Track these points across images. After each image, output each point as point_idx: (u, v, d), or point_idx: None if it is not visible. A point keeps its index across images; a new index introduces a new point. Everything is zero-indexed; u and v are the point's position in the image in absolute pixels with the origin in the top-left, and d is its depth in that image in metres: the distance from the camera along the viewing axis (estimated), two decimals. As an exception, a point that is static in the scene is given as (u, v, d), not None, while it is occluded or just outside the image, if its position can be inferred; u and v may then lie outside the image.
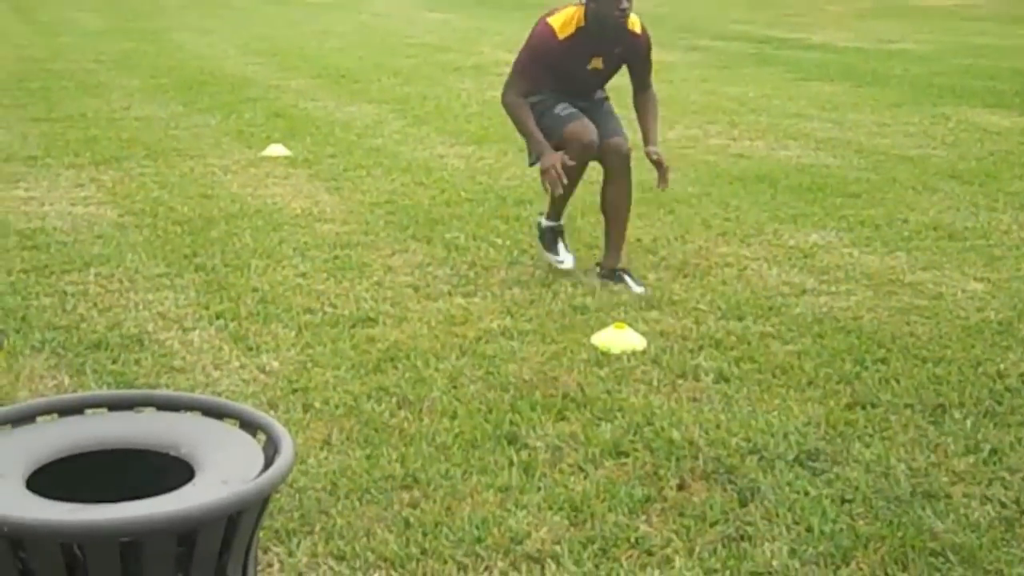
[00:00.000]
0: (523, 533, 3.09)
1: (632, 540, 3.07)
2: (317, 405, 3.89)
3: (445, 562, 2.96)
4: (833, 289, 5.22)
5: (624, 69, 5.41)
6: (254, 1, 22.48)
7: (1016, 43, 15.79)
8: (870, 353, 4.42)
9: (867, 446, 3.63)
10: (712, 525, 3.15)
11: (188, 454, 2.30)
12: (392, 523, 3.13)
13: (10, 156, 7.89)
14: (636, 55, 5.29)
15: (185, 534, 2.09)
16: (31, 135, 8.69)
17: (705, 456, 3.54)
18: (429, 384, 4.07)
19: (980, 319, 4.84)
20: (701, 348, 4.45)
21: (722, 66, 13.55)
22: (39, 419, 2.45)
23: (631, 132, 5.48)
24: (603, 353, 4.37)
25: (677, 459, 3.52)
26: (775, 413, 3.87)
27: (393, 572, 2.93)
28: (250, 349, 4.42)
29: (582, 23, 5.07)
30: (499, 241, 5.91)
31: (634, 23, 5.16)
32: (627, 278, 5.24)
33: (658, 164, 5.28)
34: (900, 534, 3.10)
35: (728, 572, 2.94)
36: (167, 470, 2.28)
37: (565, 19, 5.10)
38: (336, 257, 5.62)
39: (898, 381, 4.14)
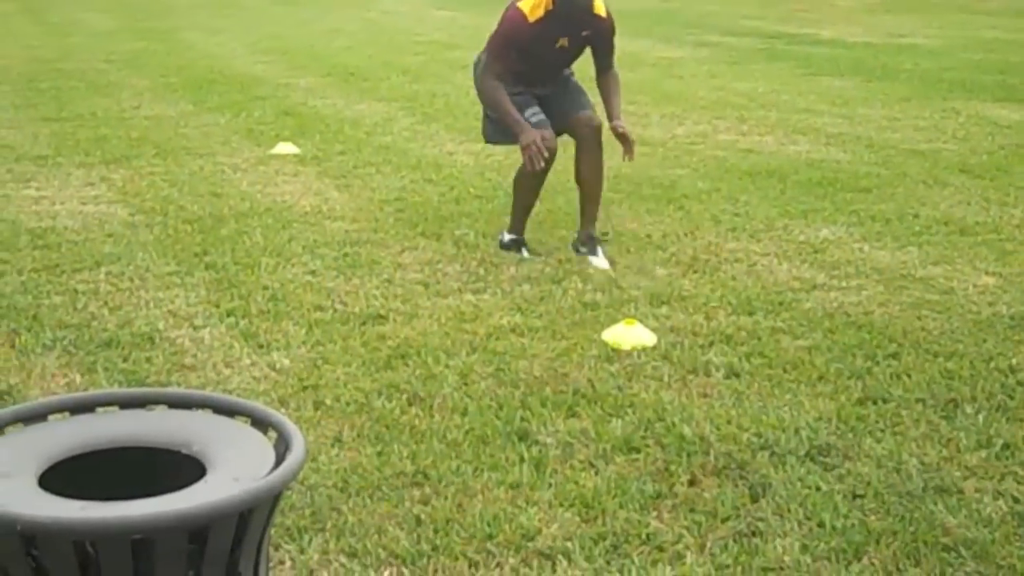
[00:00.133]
0: (534, 530, 3.09)
1: (643, 536, 3.07)
2: (328, 402, 3.90)
3: (456, 559, 2.96)
4: (844, 284, 5.21)
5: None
6: (263, 0, 22.50)
7: (1027, 37, 15.74)
8: (881, 348, 4.41)
9: (879, 441, 3.62)
10: (723, 521, 3.15)
11: (199, 452, 2.31)
12: (403, 520, 3.14)
13: (21, 156, 7.91)
14: (601, 37, 5.57)
15: (197, 531, 2.10)
16: (42, 135, 8.71)
17: (716, 452, 3.53)
18: (439, 381, 4.08)
19: (992, 313, 4.82)
20: (711, 344, 4.45)
21: (732, 62, 13.52)
22: (51, 417, 2.45)
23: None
24: (613, 349, 4.37)
25: (688, 455, 3.51)
26: (786, 408, 3.86)
27: (404, 569, 2.93)
28: (261, 347, 4.42)
29: (551, 7, 5.34)
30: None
31: (599, 7, 5.46)
32: (599, 249, 5.57)
33: (623, 137, 5.55)
34: (912, 529, 3.10)
35: (739, 568, 2.94)
36: (178, 468, 2.28)
37: (534, 2, 5.35)
38: (346, 254, 5.63)
39: (909, 376, 4.13)
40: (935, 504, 3.23)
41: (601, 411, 3.83)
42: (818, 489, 3.31)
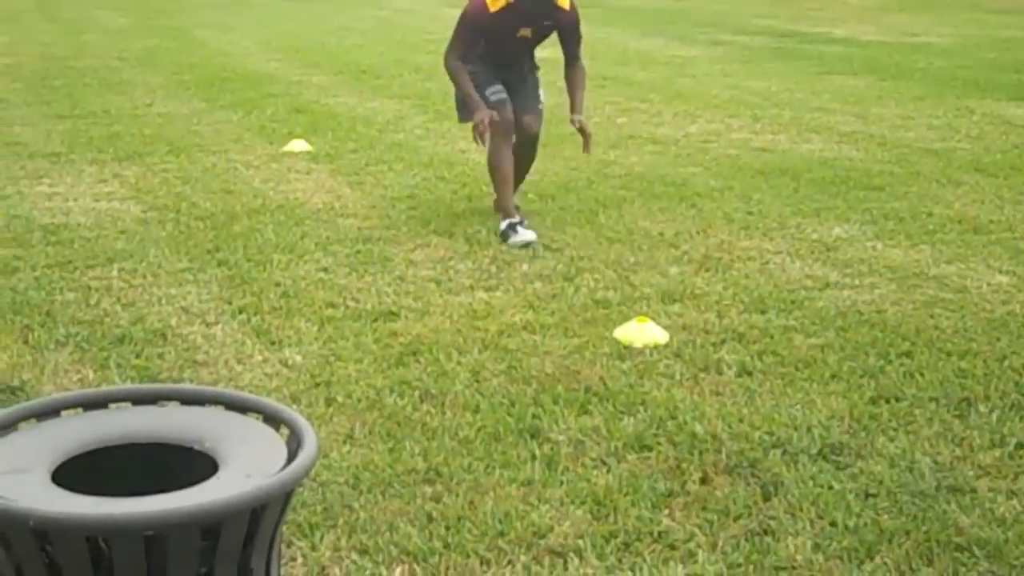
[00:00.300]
0: (546, 527, 3.08)
1: (655, 534, 3.06)
2: (340, 399, 3.90)
3: (468, 556, 2.96)
4: (857, 282, 5.20)
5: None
6: (276, -3, 22.52)
7: (1041, 35, 15.68)
8: (894, 347, 4.39)
9: (891, 440, 3.61)
10: (735, 519, 3.14)
11: (212, 448, 2.31)
12: (415, 517, 3.13)
13: (34, 152, 7.93)
14: (564, 28, 5.87)
15: (209, 528, 2.10)
16: (55, 132, 8.74)
17: (728, 450, 3.53)
18: (451, 378, 4.08)
19: (1005, 312, 4.81)
20: (724, 342, 4.44)
21: (745, 60, 13.50)
22: (64, 413, 2.46)
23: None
24: (625, 347, 4.36)
25: (700, 453, 3.51)
26: (798, 407, 3.85)
27: (416, 566, 2.93)
28: (273, 343, 4.43)
29: (512, 0, 5.65)
30: (521, 235, 5.89)
31: (562, 0, 5.75)
32: (519, 228, 5.84)
33: (581, 131, 5.96)
34: (925, 528, 3.09)
35: (751, 566, 2.93)
36: (191, 464, 2.28)
37: None
38: (358, 251, 5.63)
39: (923, 375, 4.12)
40: (948, 503, 3.22)
41: (613, 409, 3.82)
42: (830, 488, 3.30)
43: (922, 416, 3.79)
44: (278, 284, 5.11)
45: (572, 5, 5.81)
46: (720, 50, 14.51)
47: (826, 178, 7.26)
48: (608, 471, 3.41)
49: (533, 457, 3.48)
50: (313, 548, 2.99)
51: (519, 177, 6.21)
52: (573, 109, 5.94)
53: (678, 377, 4.10)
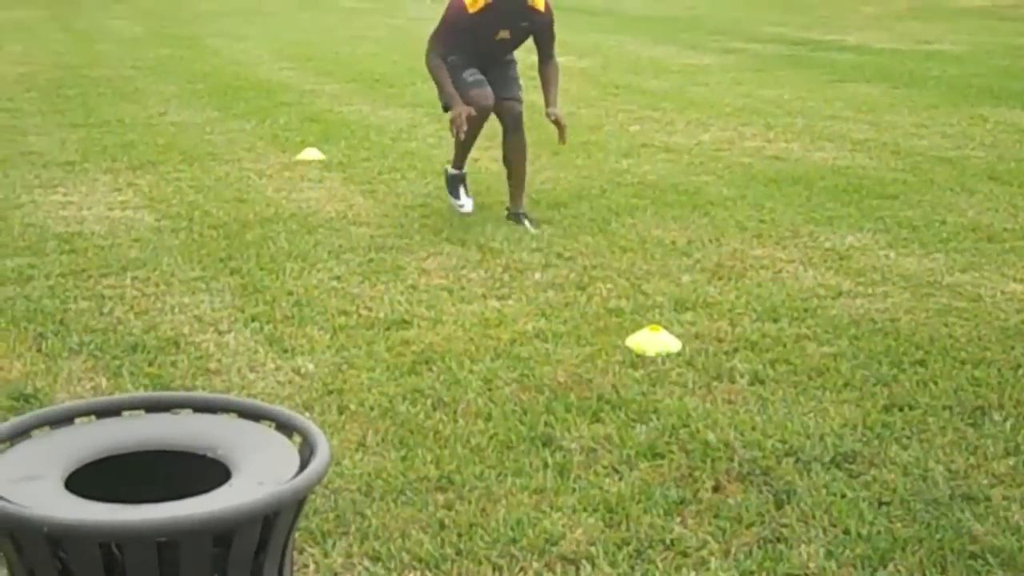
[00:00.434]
0: (558, 535, 3.08)
1: (667, 542, 3.06)
2: (352, 407, 3.90)
3: (480, 563, 2.96)
4: (870, 291, 5.19)
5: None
6: (288, 7, 22.59)
7: (1055, 43, 15.64)
8: (908, 355, 4.38)
9: (905, 448, 3.60)
10: (748, 527, 3.13)
11: (224, 456, 2.32)
12: (427, 524, 3.14)
13: (49, 161, 7.96)
14: (540, 29, 6.17)
15: (222, 535, 2.10)
16: (69, 141, 8.77)
17: (741, 458, 3.52)
18: (464, 386, 4.08)
19: (1020, 320, 4.79)
20: (736, 350, 4.44)
21: (757, 68, 13.49)
22: (77, 421, 2.47)
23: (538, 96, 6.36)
24: (638, 355, 4.36)
25: (712, 461, 3.50)
26: (811, 415, 3.85)
27: (428, 573, 2.93)
28: (285, 351, 4.43)
29: (490, 1, 5.91)
30: (533, 244, 5.91)
31: (537, 2, 6.04)
32: (525, 221, 6.22)
33: (556, 123, 6.21)
34: (938, 537, 3.08)
35: (764, 574, 2.93)
36: (203, 471, 2.29)
37: None
38: (371, 260, 5.64)
39: (936, 383, 4.11)
40: (962, 512, 3.21)
41: (625, 417, 3.82)
42: (843, 496, 3.29)
43: (936, 424, 3.78)
44: (291, 292, 5.12)
45: (547, 7, 6.11)
46: (732, 58, 14.51)
47: (839, 186, 7.25)
48: (620, 479, 3.40)
49: (545, 465, 3.48)
50: (325, 555, 2.99)
51: (518, 174, 6.37)
52: (548, 103, 6.21)
53: (690, 385, 4.10)
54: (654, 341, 4.43)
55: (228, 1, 22.29)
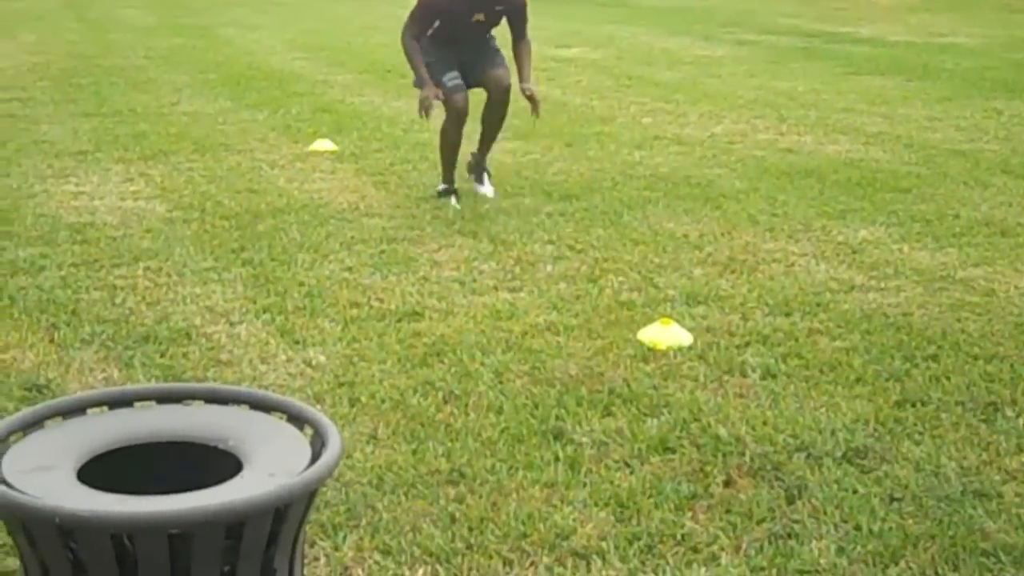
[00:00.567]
0: (569, 529, 3.08)
1: (678, 537, 3.06)
2: (363, 399, 3.90)
3: (491, 557, 2.96)
4: (882, 285, 5.17)
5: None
6: (301, -3, 22.59)
7: (1070, 36, 15.57)
8: (920, 350, 4.37)
9: (917, 444, 3.59)
10: (759, 522, 3.13)
11: (236, 447, 2.32)
12: (438, 518, 3.14)
13: (61, 151, 7.97)
14: (514, 12, 6.48)
15: (233, 526, 2.10)
16: (81, 130, 8.79)
17: (752, 453, 3.51)
18: (475, 379, 4.08)
19: (1033, 316, 4.77)
20: (748, 344, 4.43)
21: (770, 60, 13.45)
22: (89, 411, 2.47)
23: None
24: (649, 349, 4.35)
25: (724, 456, 3.49)
26: (823, 410, 3.84)
27: (439, 567, 2.93)
28: (297, 343, 4.44)
29: None
30: (545, 236, 5.90)
31: None
32: (485, 177, 6.81)
33: (530, 98, 6.47)
34: (950, 533, 3.07)
35: (775, 570, 2.92)
36: (215, 463, 2.29)
37: None
38: (382, 251, 5.64)
39: (949, 378, 4.09)
40: (974, 508, 3.20)
41: (636, 411, 3.81)
42: (855, 492, 3.28)
43: (948, 420, 3.77)
44: (302, 284, 5.13)
45: None
46: (746, 50, 14.47)
47: (852, 179, 7.23)
48: (631, 473, 3.40)
49: (556, 459, 3.47)
50: (336, 548, 2.99)
51: (489, 137, 6.77)
52: (522, 78, 6.49)
53: (702, 379, 4.09)
54: (666, 334, 4.42)
55: (241, -9, 22.30)
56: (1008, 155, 8.00)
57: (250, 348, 4.39)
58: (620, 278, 5.23)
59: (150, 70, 12.27)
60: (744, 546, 3.02)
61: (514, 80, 6.49)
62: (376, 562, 2.95)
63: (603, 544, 3.01)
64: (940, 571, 2.92)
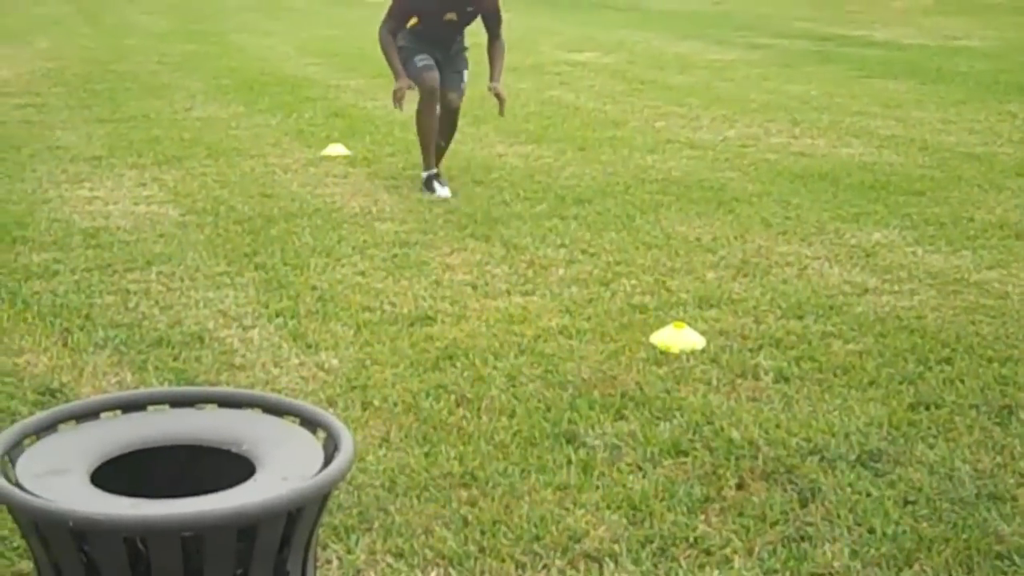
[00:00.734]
0: (581, 532, 3.08)
1: (691, 540, 3.05)
2: (376, 403, 3.91)
3: (503, 560, 2.96)
4: (896, 288, 5.16)
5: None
6: (314, 3, 22.65)
7: (1084, 39, 15.51)
8: (934, 353, 4.36)
9: (931, 447, 3.58)
10: (772, 525, 3.12)
11: (249, 451, 2.32)
12: (450, 521, 3.14)
13: (75, 156, 8.00)
14: (486, 12, 6.82)
15: (246, 530, 2.11)
16: (96, 135, 8.82)
17: (765, 456, 3.51)
18: (487, 382, 4.08)
19: (1047, 319, 4.76)
20: (761, 347, 4.42)
21: (784, 64, 13.44)
22: (103, 415, 2.48)
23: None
24: (662, 352, 4.35)
25: (736, 459, 3.49)
26: (836, 413, 3.83)
27: (451, 570, 2.93)
28: (309, 347, 4.44)
29: None
30: (557, 240, 5.90)
31: None
32: (435, 183, 6.93)
33: (498, 96, 6.90)
34: (964, 536, 3.05)
35: (788, 573, 2.92)
36: (228, 466, 2.30)
37: None
38: (395, 256, 5.64)
39: (963, 381, 4.08)
40: (988, 511, 3.19)
41: (649, 414, 3.81)
42: (868, 495, 3.28)
43: (962, 423, 3.76)
44: (315, 288, 5.13)
45: None
46: (759, 54, 14.45)
47: (865, 183, 7.22)
48: (644, 476, 3.39)
49: (569, 462, 3.47)
50: (349, 551, 3.00)
51: (443, 144, 7.11)
52: (492, 77, 6.88)
53: (715, 383, 4.08)
54: (678, 338, 4.42)
55: (254, -4, 22.37)
56: (1022, 158, 7.98)
57: (263, 352, 4.39)
58: (632, 282, 5.22)
59: (164, 76, 12.31)
60: (757, 549, 3.01)
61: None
62: (389, 565, 2.95)
63: (616, 547, 3.01)
64: (954, 574, 2.91)
